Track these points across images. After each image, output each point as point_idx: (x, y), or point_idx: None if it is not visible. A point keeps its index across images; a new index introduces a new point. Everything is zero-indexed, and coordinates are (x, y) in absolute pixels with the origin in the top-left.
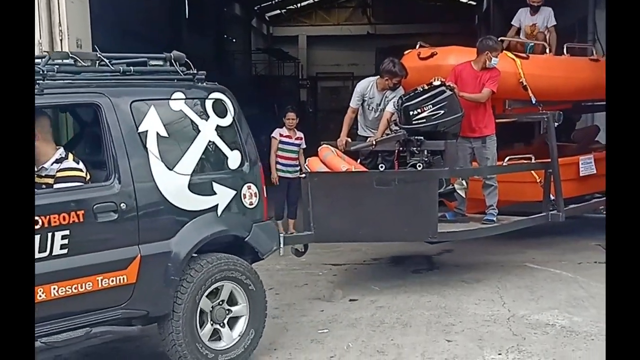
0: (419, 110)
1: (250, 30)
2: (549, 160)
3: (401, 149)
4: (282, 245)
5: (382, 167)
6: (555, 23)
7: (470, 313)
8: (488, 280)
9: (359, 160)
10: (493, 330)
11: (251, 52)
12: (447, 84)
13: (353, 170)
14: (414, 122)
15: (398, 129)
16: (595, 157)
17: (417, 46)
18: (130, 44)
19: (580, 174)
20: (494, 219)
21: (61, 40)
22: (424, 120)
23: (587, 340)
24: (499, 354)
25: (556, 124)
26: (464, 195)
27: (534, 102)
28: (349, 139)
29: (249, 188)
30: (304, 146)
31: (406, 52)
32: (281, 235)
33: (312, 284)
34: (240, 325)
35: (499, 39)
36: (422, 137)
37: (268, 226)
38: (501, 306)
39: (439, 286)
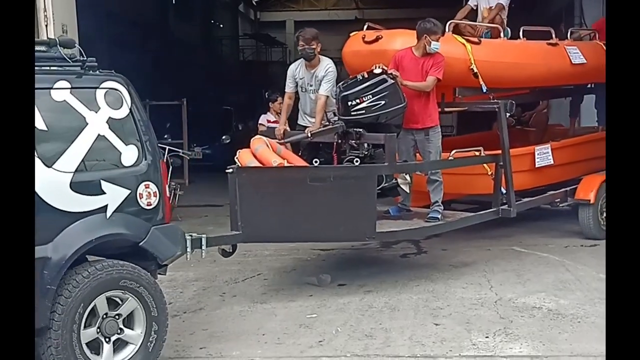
0: (357, 101)
1: (238, 15)
2: (499, 152)
3: (340, 141)
4: (189, 250)
5: (316, 162)
6: (499, 2)
7: (458, 297)
8: (475, 264)
9: (300, 153)
10: (480, 313)
11: (238, 37)
12: (389, 72)
13: (285, 165)
14: (352, 113)
15: (337, 119)
16: (553, 147)
17: (365, 27)
18: (115, 29)
19: (536, 165)
20: (439, 216)
21: (46, 25)
22: (363, 111)
23: (573, 322)
24: (486, 337)
25: (508, 114)
26: (407, 190)
27: (484, 90)
28: (288, 128)
29: (147, 187)
30: None
31: (352, 33)
32: (190, 236)
33: (300, 269)
34: (127, 351)
35: (451, 21)
36: (361, 130)
37: (170, 229)
38: (488, 290)
39: (427, 270)
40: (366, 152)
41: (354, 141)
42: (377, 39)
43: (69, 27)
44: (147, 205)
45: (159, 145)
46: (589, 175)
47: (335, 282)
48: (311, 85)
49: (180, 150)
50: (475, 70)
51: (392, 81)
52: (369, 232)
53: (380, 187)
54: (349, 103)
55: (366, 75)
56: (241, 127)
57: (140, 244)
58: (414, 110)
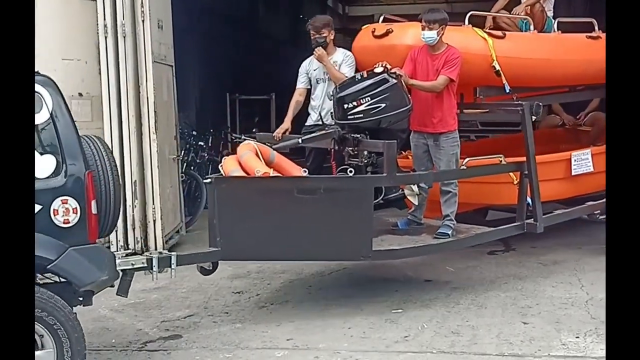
0: (354, 103)
1: (326, 9)
2: (525, 159)
3: (337, 148)
4: (155, 269)
5: (305, 171)
6: None
7: (547, 295)
8: (566, 262)
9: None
10: (571, 313)
11: None
12: (392, 71)
13: (271, 175)
14: (349, 117)
15: (334, 123)
16: (593, 152)
17: (380, 20)
18: (208, 23)
19: (573, 173)
20: (450, 232)
21: (143, 21)
22: (361, 115)
23: None
24: (577, 337)
25: (534, 117)
26: (416, 202)
27: (507, 90)
28: (289, 130)
29: (64, 202)
30: None
31: (363, 26)
32: (159, 254)
33: (386, 264)
34: None
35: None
36: (359, 136)
37: (94, 250)
38: (579, 289)
39: (515, 268)
40: (366, 161)
41: (351, 148)
42: (387, 33)
43: (164, 22)
44: (64, 222)
45: (248, 138)
46: None
47: (421, 277)
48: (327, 73)
49: (269, 144)
50: (498, 67)
51: (395, 81)
52: (365, 250)
53: (384, 198)
54: (346, 106)
55: (365, 75)
56: None
57: (49, 266)
58: (424, 112)
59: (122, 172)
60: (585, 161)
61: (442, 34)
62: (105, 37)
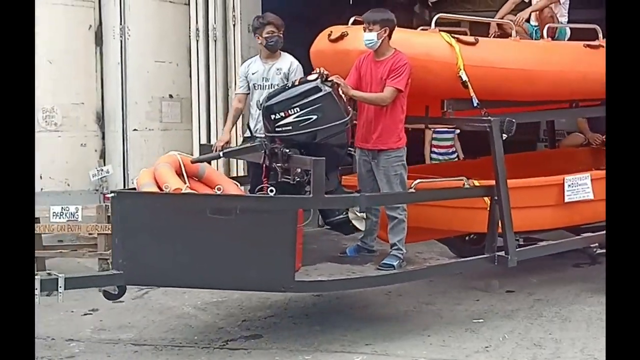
0: (282, 114)
1: (413, 16)
2: (495, 182)
3: (267, 164)
4: (37, 292)
5: (219, 188)
6: None
7: None
8: None
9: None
10: None
11: None
12: (329, 79)
13: (184, 191)
14: (277, 129)
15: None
16: (594, 177)
17: (351, 21)
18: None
19: (566, 200)
20: (396, 263)
21: (234, 25)
22: (290, 127)
23: None
24: None
25: (504, 135)
26: (362, 228)
27: (475, 104)
28: (229, 141)
29: None
30: (458, 131)
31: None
32: (39, 278)
33: (467, 273)
34: None
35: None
36: (288, 150)
37: None
38: None
39: (601, 281)
40: (300, 179)
41: (279, 164)
42: (341, 37)
43: None
44: None
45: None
46: None
47: (503, 288)
48: (267, 80)
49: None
50: (464, 78)
51: (328, 90)
52: (286, 281)
53: (325, 221)
54: (273, 116)
55: (297, 82)
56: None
57: None
58: (366, 126)
59: None
60: (582, 187)
61: (385, 36)
62: (197, 41)
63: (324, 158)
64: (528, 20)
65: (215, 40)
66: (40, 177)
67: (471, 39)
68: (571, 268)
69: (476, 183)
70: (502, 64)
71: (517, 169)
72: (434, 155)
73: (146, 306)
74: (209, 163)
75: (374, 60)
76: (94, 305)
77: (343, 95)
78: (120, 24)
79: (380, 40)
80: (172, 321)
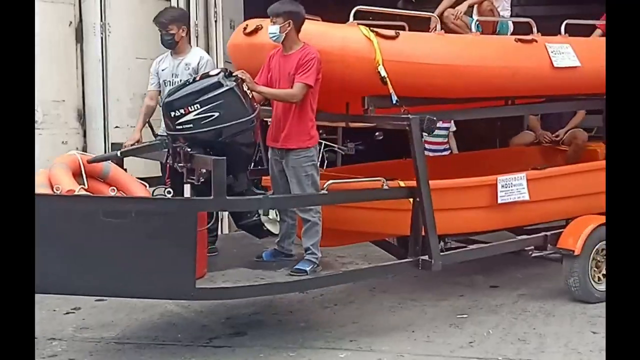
0: (182, 111)
1: None
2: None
3: (171, 163)
4: None
5: (113, 190)
6: None
7: None
8: None
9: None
10: None
11: None
12: (233, 74)
13: (77, 193)
14: (177, 127)
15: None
16: (530, 177)
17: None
18: None
19: (499, 201)
20: (309, 268)
21: (216, 21)
22: (190, 124)
23: None
24: None
25: (425, 134)
26: (275, 231)
27: (394, 100)
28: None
29: None
30: (454, 128)
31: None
32: None
33: (451, 269)
34: None
35: None
36: (190, 150)
37: None
38: None
39: None
40: (205, 179)
41: (182, 164)
42: (256, 30)
43: (236, 22)
44: None
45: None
46: (584, 216)
47: (487, 283)
48: (176, 76)
49: (335, 146)
50: (383, 73)
51: (230, 85)
52: (185, 288)
53: (237, 224)
54: (173, 113)
55: (198, 78)
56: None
57: None
58: (276, 124)
59: None
60: (517, 188)
61: (290, 29)
62: None
63: (224, 157)
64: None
65: (197, 37)
66: None
67: (391, 32)
68: (557, 263)
69: (402, 184)
70: (424, 59)
71: (461, 169)
72: (426, 152)
73: (129, 304)
74: (120, 163)
75: (282, 54)
76: (77, 304)
77: (248, 92)
78: (101, 20)
79: (284, 34)
80: (155, 319)
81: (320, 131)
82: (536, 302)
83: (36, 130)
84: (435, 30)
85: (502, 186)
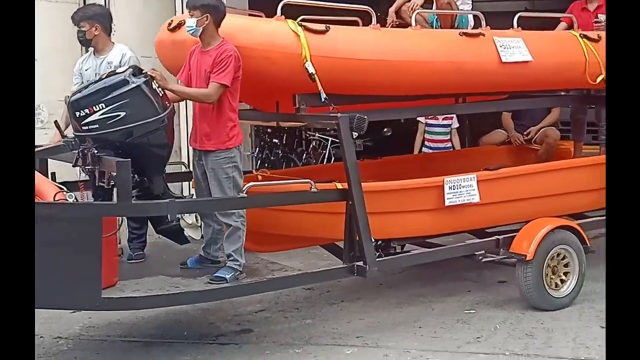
0: (87, 110)
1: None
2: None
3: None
4: None
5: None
6: None
7: None
8: None
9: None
10: None
11: None
12: (142, 72)
13: None
14: (83, 127)
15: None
16: (481, 178)
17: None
18: None
19: (446, 203)
20: (229, 275)
21: None
22: (96, 125)
23: None
24: None
25: (355, 133)
26: (196, 237)
27: (322, 98)
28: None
29: None
30: (457, 125)
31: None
32: None
33: (457, 264)
34: None
35: None
36: (96, 151)
37: None
38: None
39: (593, 270)
40: (115, 182)
41: (89, 167)
42: (179, 26)
43: None
44: None
45: (322, 137)
46: (540, 219)
47: (495, 279)
48: (99, 75)
49: None
50: (311, 70)
51: (138, 83)
52: (91, 298)
53: (156, 229)
54: (78, 113)
55: (104, 76)
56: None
57: None
58: (195, 125)
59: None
60: (467, 189)
61: (207, 24)
62: None
63: (129, 160)
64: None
65: None
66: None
67: (321, 27)
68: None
69: (339, 186)
70: (357, 55)
71: (425, 169)
72: (425, 150)
73: None
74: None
75: (201, 50)
76: None
77: (159, 90)
78: None
79: (201, 28)
80: (161, 317)
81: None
82: None
83: (42, 130)
84: (392, 25)
85: (450, 188)
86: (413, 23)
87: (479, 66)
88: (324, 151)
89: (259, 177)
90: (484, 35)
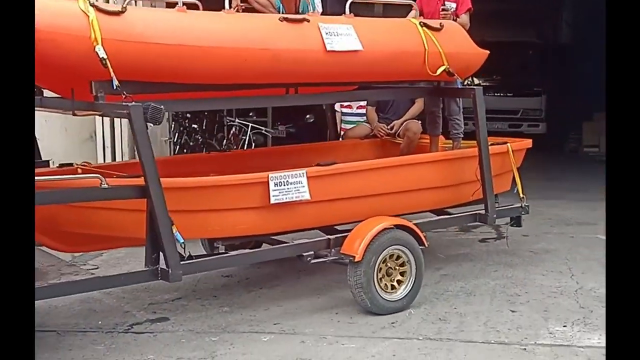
0: None
1: None
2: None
3: None
4: None
5: None
6: None
7: (537, 284)
8: (557, 251)
9: None
10: (559, 302)
11: None
12: None
13: None
14: None
15: None
16: (311, 174)
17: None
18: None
19: (272, 201)
20: None
21: None
22: None
23: None
24: (564, 326)
25: (150, 124)
26: None
27: (114, 86)
28: None
29: None
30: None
31: None
32: None
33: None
34: None
35: None
36: None
37: None
38: (569, 278)
39: (506, 256)
40: None
41: None
42: None
43: None
44: None
45: (243, 122)
46: (374, 217)
47: None
48: None
49: (263, 128)
50: (102, 54)
51: None
52: None
53: None
54: None
55: None
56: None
57: None
58: None
59: (113, 153)
60: (295, 186)
61: None
62: None
63: None
64: None
65: None
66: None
67: (117, 7)
68: (478, 243)
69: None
70: (156, 39)
71: (279, 162)
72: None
73: None
74: None
75: None
76: None
77: None
78: None
79: None
80: (75, 306)
81: (251, 113)
82: (458, 282)
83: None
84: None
85: (275, 184)
86: (180, 4)
87: (300, 54)
88: (244, 137)
89: (79, 171)
90: (308, 21)
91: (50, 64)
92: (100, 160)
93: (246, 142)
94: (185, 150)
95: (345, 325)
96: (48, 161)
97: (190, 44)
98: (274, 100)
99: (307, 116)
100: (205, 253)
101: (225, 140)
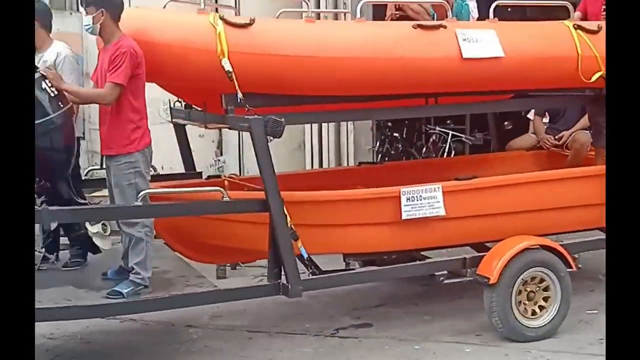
0: None
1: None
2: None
3: None
4: None
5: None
6: None
7: None
8: None
9: None
10: None
11: None
12: (41, 71)
13: None
14: None
15: None
16: (447, 189)
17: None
18: None
19: (403, 217)
20: (126, 290)
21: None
22: None
23: None
24: None
25: (271, 138)
26: (106, 246)
27: (239, 99)
28: None
29: None
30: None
31: None
32: None
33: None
34: None
35: None
36: None
37: None
38: None
39: None
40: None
41: None
42: None
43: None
44: None
45: (443, 130)
46: (515, 237)
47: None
48: None
49: (462, 136)
50: (228, 67)
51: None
52: None
53: (72, 237)
54: None
55: None
56: (524, 113)
57: None
58: (100, 128)
59: (320, 161)
60: (429, 201)
61: (104, 19)
62: None
63: None
64: None
65: None
66: (162, 167)
67: (245, 19)
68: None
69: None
70: (283, 50)
71: (441, 174)
72: None
73: None
74: None
75: (104, 48)
76: None
77: (51, 90)
78: None
79: (98, 24)
80: (284, 309)
81: (448, 121)
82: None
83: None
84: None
85: (407, 199)
86: (304, 9)
87: (433, 62)
88: (444, 145)
89: (225, 183)
90: (445, 27)
91: (182, 78)
92: (309, 168)
93: (446, 150)
94: (386, 159)
95: (550, 340)
96: (200, 173)
97: (317, 55)
98: (409, 111)
99: (505, 123)
100: (336, 269)
101: (424, 148)
